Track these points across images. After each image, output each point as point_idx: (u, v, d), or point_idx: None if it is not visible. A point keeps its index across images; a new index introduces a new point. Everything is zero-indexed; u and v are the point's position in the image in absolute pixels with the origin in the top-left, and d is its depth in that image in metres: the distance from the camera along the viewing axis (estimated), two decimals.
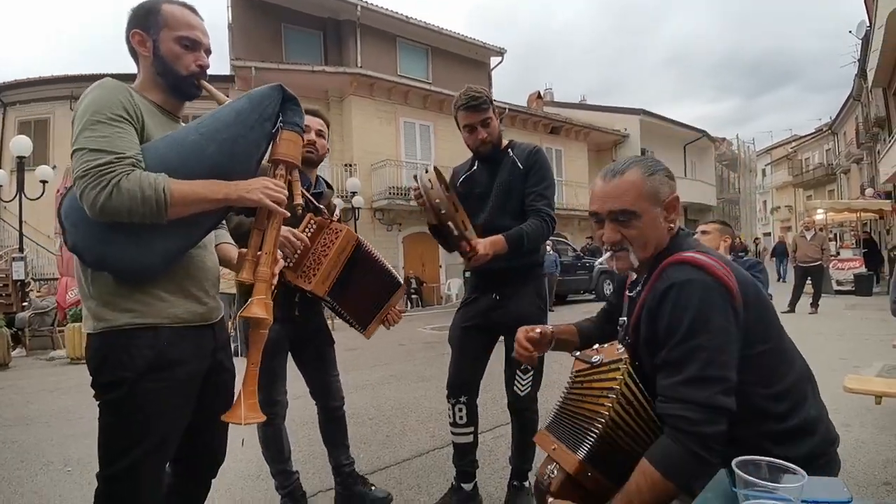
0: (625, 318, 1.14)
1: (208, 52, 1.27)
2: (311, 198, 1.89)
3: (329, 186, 2.11)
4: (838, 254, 11.87)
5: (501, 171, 1.96)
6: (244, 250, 1.30)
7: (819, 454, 0.94)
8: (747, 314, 0.94)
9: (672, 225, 1.08)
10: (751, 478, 0.69)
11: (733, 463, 0.72)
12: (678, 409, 0.89)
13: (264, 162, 1.31)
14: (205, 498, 1.44)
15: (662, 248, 1.07)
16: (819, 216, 12.18)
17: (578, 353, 1.15)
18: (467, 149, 2.05)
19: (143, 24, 1.20)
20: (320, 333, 2.07)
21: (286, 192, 1.22)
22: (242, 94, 1.25)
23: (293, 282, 1.83)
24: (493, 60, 17.55)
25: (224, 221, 1.58)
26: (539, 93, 21.35)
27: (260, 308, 1.20)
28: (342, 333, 2.13)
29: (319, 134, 1.95)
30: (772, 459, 0.72)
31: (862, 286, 9.89)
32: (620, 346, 1.08)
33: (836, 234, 16.76)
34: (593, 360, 1.08)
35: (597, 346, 1.14)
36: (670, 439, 0.89)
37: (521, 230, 1.81)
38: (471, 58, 16.83)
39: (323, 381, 2.07)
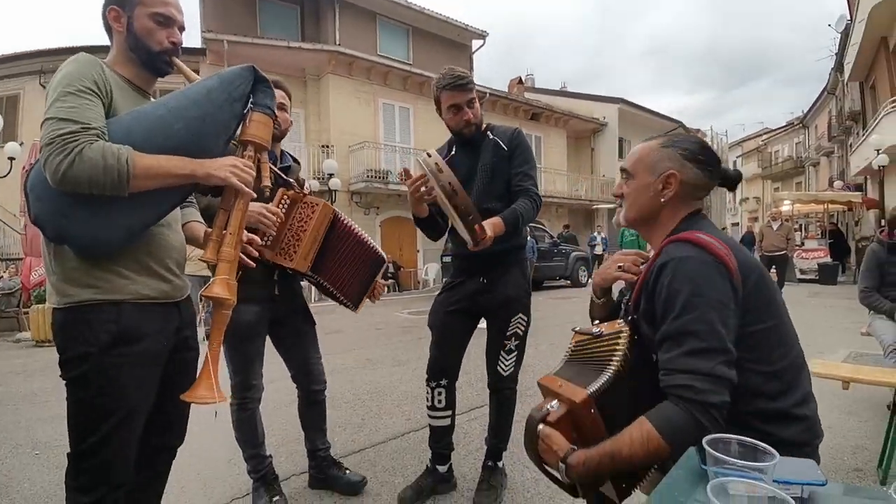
0: (628, 296, 1.18)
1: (182, 28, 1.28)
2: (279, 172, 1.85)
3: (295, 161, 2.05)
4: (803, 244, 12.29)
5: (483, 154, 1.94)
6: (209, 230, 1.30)
7: (802, 443, 0.95)
8: (748, 294, 0.95)
9: (663, 199, 1.08)
10: (721, 455, 0.69)
11: (704, 441, 0.73)
12: (683, 380, 0.89)
13: (233, 144, 1.30)
14: (165, 479, 1.44)
15: (650, 217, 1.12)
16: (786, 207, 12.56)
17: (578, 328, 1.16)
18: (447, 132, 2.02)
19: (120, 1, 1.22)
20: (301, 314, 2.02)
21: (254, 172, 1.23)
22: (214, 68, 1.26)
23: (273, 260, 1.79)
24: (475, 44, 17.36)
25: (195, 202, 1.55)
26: (520, 78, 21.26)
27: (222, 288, 1.20)
28: (317, 317, 2.09)
29: (282, 107, 1.88)
30: (742, 438, 0.73)
31: (826, 275, 10.29)
32: (622, 321, 1.10)
33: (801, 225, 17.35)
34: (594, 331, 1.11)
35: (597, 322, 1.15)
36: (674, 405, 0.89)
37: (516, 211, 1.80)
38: (452, 40, 16.59)
39: (305, 364, 2.03)
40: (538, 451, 1.00)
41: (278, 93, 1.85)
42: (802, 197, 13.82)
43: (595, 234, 14.76)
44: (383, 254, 2.00)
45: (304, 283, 2.11)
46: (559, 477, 0.99)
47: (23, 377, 4.70)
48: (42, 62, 11.85)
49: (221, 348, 1.83)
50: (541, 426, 1.00)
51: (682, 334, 0.91)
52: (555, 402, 1.03)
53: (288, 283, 1.95)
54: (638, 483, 0.99)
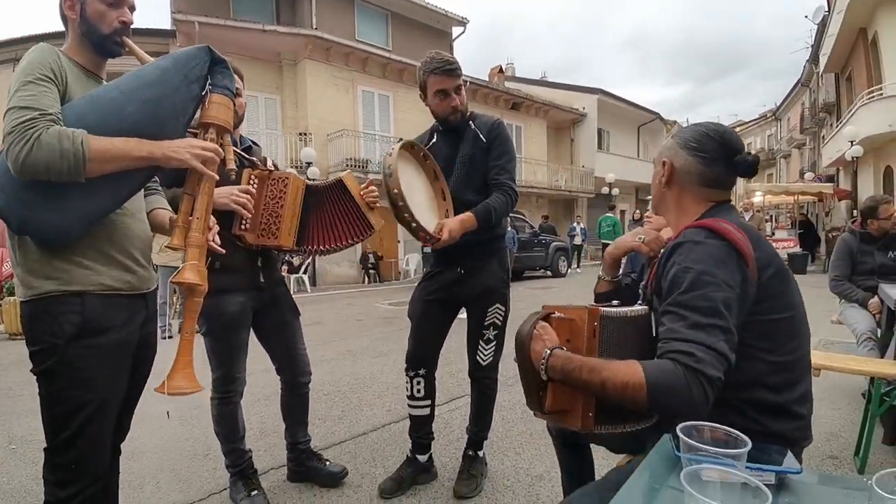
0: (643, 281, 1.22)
1: (132, 8, 1.28)
2: (243, 154, 1.82)
3: (255, 144, 1.99)
4: (773, 234, 12.64)
5: (464, 144, 1.93)
6: (174, 216, 1.28)
7: (791, 440, 0.96)
8: (764, 284, 0.96)
9: (661, 185, 1.16)
10: (694, 442, 0.70)
11: (678, 428, 0.74)
12: (683, 346, 0.88)
13: (193, 128, 1.28)
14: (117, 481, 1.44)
15: (659, 203, 1.19)
16: (757, 199, 12.88)
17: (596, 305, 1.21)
18: (427, 121, 1.99)
19: None
20: (285, 302, 1.98)
21: (217, 154, 1.22)
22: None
23: (256, 243, 1.75)
24: (456, 31, 17.20)
25: (160, 189, 1.51)
26: (501, 67, 21.19)
27: (192, 273, 1.18)
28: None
29: (237, 93, 1.83)
30: (715, 425, 0.75)
31: (796, 264, 10.60)
32: (641, 303, 1.13)
33: (772, 216, 17.83)
34: (614, 303, 1.15)
35: (616, 302, 1.17)
36: (672, 362, 0.87)
37: (489, 205, 1.81)
38: (433, 26, 16.39)
39: (290, 354, 1.99)
40: (529, 337, 1.04)
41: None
42: (774, 189, 14.18)
43: (575, 224, 14.91)
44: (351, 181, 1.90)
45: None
46: (537, 367, 1.01)
47: None
48: (17, 50, 11.26)
49: (203, 340, 1.81)
50: (540, 322, 1.04)
51: (687, 308, 0.92)
52: (559, 313, 1.07)
53: (271, 270, 1.92)
54: (605, 424, 1.00)
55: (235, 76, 1.79)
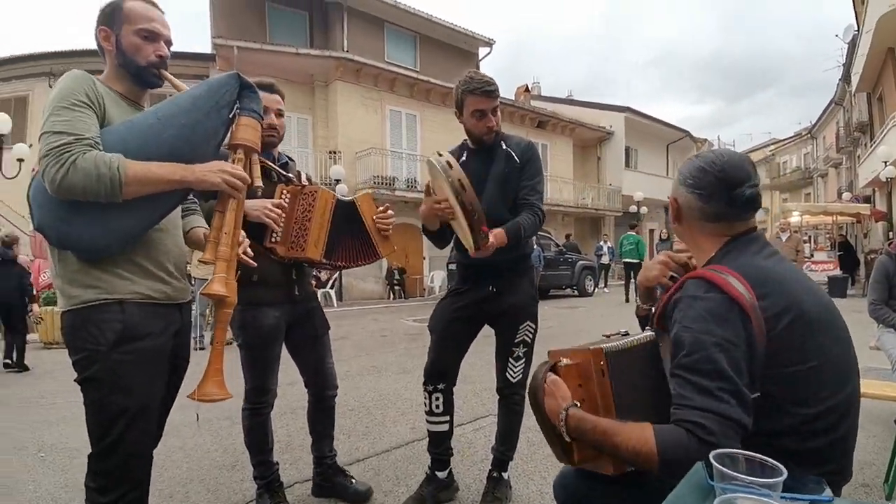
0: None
1: (168, 43, 1.34)
2: (279, 169, 1.88)
3: (290, 159, 2.05)
4: (812, 256, 12.19)
5: (496, 163, 1.94)
6: (208, 232, 1.35)
7: (828, 482, 0.90)
8: (779, 334, 0.90)
9: (674, 223, 1.13)
10: (728, 471, 0.69)
11: (711, 456, 0.72)
12: (695, 416, 0.85)
13: (224, 148, 1.35)
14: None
15: (680, 238, 1.15)
16: (794, 219, 12.47)
17: (605, 334, 1.19)
18: (454, 139, 2.02)
19: (108, 22, 1.29)
20: (317, 317, 2.03)
21: (245, 174, 1.28)
22: (223, 73, 1.28)
23: (287, 255, 1.80)
24: (482, 51, 17.47)
25: (199, 209, 1.59)
26: (527, 86, 21.35)
27: (220, 285, 1.24)
28: None
29: (279, 114, 1.90)
30: (750, 453, 0.73)
31: (835, 288, 10.16)
32: (649, 329, 1.12)
33: (810, 237, 17.21)
34: (623, 332, 1.14)
35: (624, 330, 1.16)
36: (686, 433, 0.85)
37: (518, 224, 1.83)
38: (459, 47, 16.70)
39: (319, 368, 2.03)
40: (543, 393, 1.01)
41: (274, 98, 1.88)
42: (812, 209, 13.71)
43: (601, 243, 14.72)
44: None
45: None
46: (558, 428, 0.99)
47: (30, 379, 4.73)
48: (52, 64, 11.96)
49: (239, 352, 1.86)
50: (550, 376, 1.01)
51: (692, 371, 0.88)
52: (566, 360, 1.04)
53: (305, 284, 1.97)
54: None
55: (276, 96, 1.88)
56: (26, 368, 5.34)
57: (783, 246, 8.40)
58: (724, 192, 1.01)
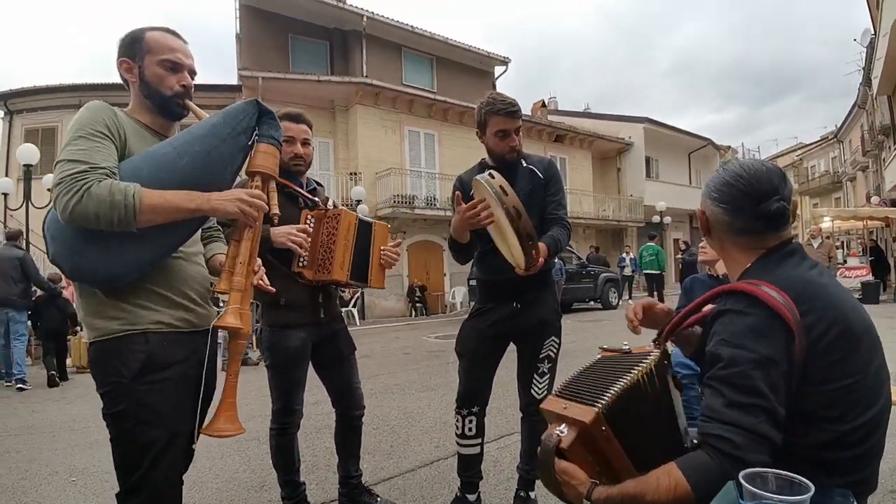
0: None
1: (192, 73, 1.33)
2: (305, 194, 1.93)
3: (319, 184, 2.10)
4: (845, 262, 11.79)
5: (519, 180, 1.95)
6: (223, 260, 1.32)
7: (854, 492, 0.90)
8: (823, 350, 0.87)
9: (704, 236, 1.12)
10: (758, 490, 0.68)
11: (741, 476, 0.72)
12: (721, 430, 0.84)
13: (242, 175, 1.34)
14: None
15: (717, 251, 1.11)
16: (826, 224, 12.12)
17: (606, 346, 1.16)
18: (472, 157, 2.05)
19: (130, 53, 1.27)
20: (342, 337, 2.05)
21: (262, 202, 1.24)
22: None
23: (314, 279, 1.84)
24: (498, 70, 17.68)
25: (222, 236, 1.59)
26: (543, 101, 21.45)
27: (234, 317, 1.20)
28: None
29: (306, 143, 1.95)
30: (779, 471, 0.72)
31: (869, 294, 9.78)
32: (652, 345, 1.08)
33: (842, 242, 16.66)
34: (624, 348, 1.09)
35: (626, 343, 1.13)
36: (708, 456, 0.84)
37: (555, 237, 1.86)
38: (475, 67, 16.95)
39: (346, 388, 2.05)
40: (557, 483, 0.95)
41: (301, 128, 1.92)
42: (842, 213, 13.33)
43: (624, 254, 14.52)
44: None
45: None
46: None
47: (61, 403, 4.82)
48: (80, 96, 12.36)
49: (266, 373, 1.89)
50: (558, 462, 0.93)
51: (726, 384, 0.87)
52: (563, 426, 0.96)
53: (331, 306, 2.00)
54: None
55: (304, 126, 1.93)
56: (66, 377, 6.10)
57: (815, 253, 8.17)
58: (750, 206, 0.98)
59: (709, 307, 1.03)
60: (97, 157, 1.12)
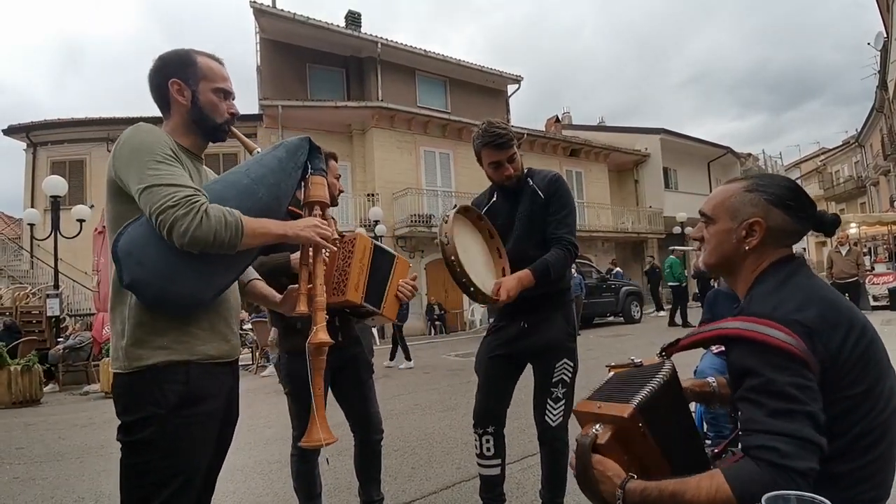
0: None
1: (234, 98, 1.39)
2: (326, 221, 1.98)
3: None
4: (873, 268, 11.39)
5: (523, 201, 1.96)
6: (294, 287, 1.44)
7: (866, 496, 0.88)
8: (846, 357, 0.87)
9: (747, 247, 1.00)
10: None
11: (763, 499, 0.70)
12: (766, 440, 0.81)
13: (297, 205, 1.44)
14: None
15: (732, 264, 1.04)
16: (852, 230, 11.76)
17: (614, 363, 1.15)
18: (485, 176, 2.07)
19: (182, 75, 1.25)
20: (361, 361, 2.06)
21: (330, 230, 1.35)
22: (269, 130, 1.41)
23: (330, 302, 1.85)
24: (511, 88, 17.86)
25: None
26: (557, 117, 21.53)
27: (325, 333, 1.35)
28: None
29: (337, 177, 2.05)
30: (801, 493, 0.70)
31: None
32: (662, 357, 1.08)
33: (869, 249, 16.14)
34: (635, 361, 1.09)
35: (633, 357, 1.13)
36: (756, 466, 0.81)
37: (546, 262, 1.82)
38: (488, 86, 17.16)
39: (364, 412, 2.05)
40: (594, 481, 0.94)
41: (335, 165, 2.03)
42: (868, 219, 12.95)
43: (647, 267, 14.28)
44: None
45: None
46: None
47: (88, 429, 4.83)
48: (109, 130, 12.79)
49: (286, 399, 1.91)
50: (595, 457, 0.93)
51: (762, 393, 0.85)
52: (598, 425, 0.95)
53: (348, 330, 2.01)
54: None
55: (334, 163, 2.02)
56: None
57: (843, 261, 7.92)
58: (813, 214, 1.02)
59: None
60: (187, 181, 1.12)
